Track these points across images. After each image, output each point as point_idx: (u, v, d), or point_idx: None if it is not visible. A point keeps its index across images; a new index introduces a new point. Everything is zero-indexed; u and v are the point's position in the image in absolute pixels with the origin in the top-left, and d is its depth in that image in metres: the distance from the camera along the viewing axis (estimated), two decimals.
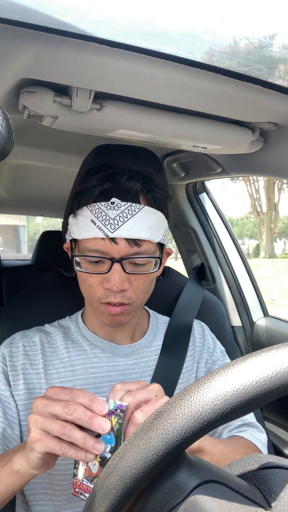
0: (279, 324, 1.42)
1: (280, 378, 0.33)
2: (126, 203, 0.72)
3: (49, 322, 0.90)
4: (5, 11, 0.44)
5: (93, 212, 0.72)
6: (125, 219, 0.71)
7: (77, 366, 0.81)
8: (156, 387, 0.63)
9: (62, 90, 0.66)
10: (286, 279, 12.35)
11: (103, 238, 0.71)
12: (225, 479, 0.36)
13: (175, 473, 0.35)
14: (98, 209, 0.72)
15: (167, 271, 1.15)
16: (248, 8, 0.55)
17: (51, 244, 2.18)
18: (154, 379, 0.83)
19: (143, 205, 0.73)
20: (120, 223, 0.70)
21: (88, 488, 0.59)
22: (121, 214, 0.71)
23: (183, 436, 0.33)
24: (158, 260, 0.76)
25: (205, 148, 0.90)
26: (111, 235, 0.70)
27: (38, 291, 1.04)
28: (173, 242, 1.82)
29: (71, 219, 0.78)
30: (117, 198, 0.72)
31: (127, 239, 0.71)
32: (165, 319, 0.96)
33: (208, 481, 0.35)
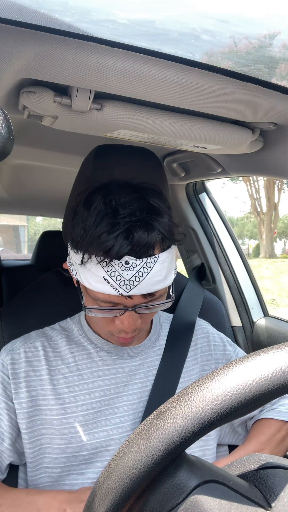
0: (279, 324, 1.42)
1: (280, 378, 0.33)
2: (141, 260, 0.66)
3: (49, 322, 0.90)
4: (5, 11, 0.44)
5: (106, 269, 0.66)
6: (141, 279, 0.66)
7: (84, 370, 0.81)
8: None
9: (62, 90, 0.66)
10: (286, 279, 12.35)
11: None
12: (225, 479, 0.36)
13: (175, 473, 0.35)
14: (111, 268, 0.66)
15: None
16: (248, 8, 0.55)
17: (51, 244, 2.18)
18: (157, 379, 0.83)
19: (157, 255, 0.68)
20: (136, 283, 0.66)
21: None
22: (136, 274, 0.66)
23: (183, 436, 0.33)
24: (170, 297, 0.74)
25: (205, 148, 0.90)
26: (126, 294, 0.67)
27: (38, 291, 1.04)
28: None
29: (77, 263, 0.71)
30: (131, 256, 0.66)
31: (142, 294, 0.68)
32: (168, 315, 0.97)
33: (208, 481, 0.35)
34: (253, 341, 1.46)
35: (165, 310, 0.98)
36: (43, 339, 0.83)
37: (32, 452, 0.78)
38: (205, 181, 1.49)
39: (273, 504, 0.34)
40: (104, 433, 0.78)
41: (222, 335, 0.96)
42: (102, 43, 0.51)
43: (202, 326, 0.95)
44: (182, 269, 1.64)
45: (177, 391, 0.84)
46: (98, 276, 0.67)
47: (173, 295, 0.75)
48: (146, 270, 0.66)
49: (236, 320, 1.48)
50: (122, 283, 0.66)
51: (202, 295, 1.10)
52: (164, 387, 0.82)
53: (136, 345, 0.85)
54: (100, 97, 0.69)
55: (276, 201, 22.90)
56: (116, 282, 0.66)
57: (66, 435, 0.77)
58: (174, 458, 0.33)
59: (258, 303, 1.51)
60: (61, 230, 1.01)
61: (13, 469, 0.84)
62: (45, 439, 0.78)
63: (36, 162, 1.46)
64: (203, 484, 0.34)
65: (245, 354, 0.91)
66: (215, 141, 0.84)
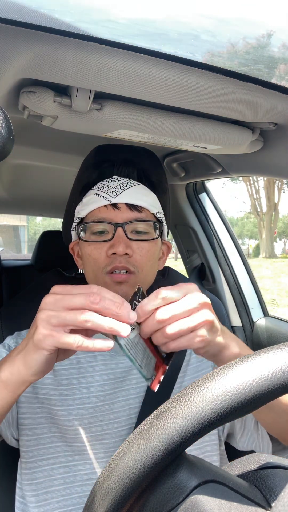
0: (279, 324, 1.42)
1: (280, 378, 0.33)
2: (124, 178, 0.81)
3: None
4: (5, 11, 0.44)
5: (97, 188, 0.80)
6: (125, 188, 0.79)
7: (84, 364, 0.82)
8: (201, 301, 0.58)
9: (62, 90, 0.66)
10: (286, 279, 12.35)
11: (106, 206, 0.78)
12: (225, 479, 0.36)
13: (175, 473, 0.35)
14: (101, 185, 0.80)
15: (167, 271, 1.15)
16: (248, 8, 0.55)
17: (51, 244, 2.18)
18: None
19: (139, 183, 0.81)
20: (121, 191, 0.78)
21: None
22: (121, 184, 0.79)
23: (183, 436, 0.33)
24: (158, 226, 0.81)
25: (205, 148, 0.90)
26: (113, 201, 0.77)
27: (38, 291, 1.04)
28: (173, 242, 1.82)
29: (78, 207, 0.83)
30: (116, 175, 0.81)
31: (127, 205, 0.78)
32: None
33: (208, 481, 0.35)
34: (253, 341, 1.46)
35: None
36: None
37: (28, 440, 0.78)
38: (205, 181, 1.49)
39: (273, 504, 0.34)
40: (99, 428, 0.78)
41: None
42: (102, 43, 0.51)
43: None
44: (182, 269, 1.64)
45: (175, 386, 0.84)
46: (91, 196, 0.80)
47: (165, 259, 0.87)
48: (129, 184, 0.80)
49: (236, 320, 1.48)
50: (109, 191, 0.78)
51: None
52: (161, 382, 0.83)
53: None
54: (100, 97, 0.69)
55: (276, 201, 22.91)
56: (104, 192, 0.78)
57: (61, 426, 0.78)
58: (174, 458, 0.33)
59: (258, 303, 1.51)
60: (61, 230, 1.01)
61: (12, 469, 0.84)
62: (41, 428, 0.78)
63: (36, 162, 1.46)
64: (203, 484, 0.34)
65: None
66: (215, 141, 0.84)
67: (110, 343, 0.52)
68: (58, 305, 0.54)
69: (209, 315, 0.58)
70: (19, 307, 0.99)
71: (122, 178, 0.80)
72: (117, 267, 0.75)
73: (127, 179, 0.81)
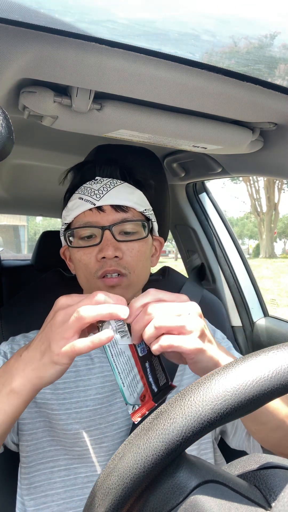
0: (279, 324, 1.42)
1: (280, 378, 0.33)
2: (107, 178, 0.80)
3: None
4: (5, 11, 0.44)
5: (80, 192, 0.79)
6: (109, 189, 0.78)
7: (80, 367, 0.82)
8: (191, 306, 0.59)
9: (62, 90, 0.66)
10: (286, 279, 12.35)
11: (91, 210, 0.77)
12: (225, 479, 0.36)
13: (175, 473, 0.35)
14: (83, 188, 0.79)
15: (167, 271, 1.15)
16: (248, 8, 0.55)
17: (51, 244, 2.18)
18: None
19: (123, 182, 0.80)
20: (104, 192, 0.77)
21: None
22: (104, 186, 0.78)
23: (183, 436, 0.33)
24: (146, 225, 0.79)
25: (205, 148, 0.90)
26: (97, 203, 0.76)
27: (38, 291, 1.04)
28: (173, 242, 1.82)
29: (64, 212, 0.83)
30: (99, 176, 0.80)
31: (112, 206, 0.77)
32: None
33: (208, 481, 0.35)
34: (253, 341, 1.46)
35: None
36: None
37: (28, 446, 0.78)
38: (205, 181, 1.49)
39: (273, 504, 0.34)
40: (98, 431, 0.78)
41: (217, 330, 0.95)
42: (102, 43, 0.51)
43: None
44: (182, 269, 1.64)
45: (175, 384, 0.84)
46: (75, 200, 0.79)
47: (158, 255, 0.86)
48: (112, 185, 0.78)
49: (236, 320, 1.48)
50: (92, 193, 0.77)
51: (199, 296, 1.10)
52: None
53: None
54: (100, 97, 0.69)
55: (276, 201, 22.90)
56: (88, 195, 0.77)
57: (60, 430, 0.78)
58: (174, 458, 0.33)
59: (258, 303, 1.51)
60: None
61: (13, 472, 0.84)
62: (40, 433, 0.78)
63: (36, 162, 1.46)
64: (203, 484, 0.34)
65: (237, 352, 0.91)
66: (215, 141, 0.84)
67: (110, 332, 0.54)
68: (68, 317, 0.56)
69: (200, 321, 0.57)
70: (19, 307, 0.99)
71: (105, 179, 0.79)
72: (108, 271, 0.74)
73: (110, 179, 0.79)
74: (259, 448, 0.80)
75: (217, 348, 0.60)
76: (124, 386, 0.56)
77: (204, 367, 0.58)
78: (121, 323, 0.58)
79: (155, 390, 0.59)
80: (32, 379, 0.58)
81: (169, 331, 0.55)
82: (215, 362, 0.58)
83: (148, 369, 0.60)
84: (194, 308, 0.58)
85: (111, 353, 0.57)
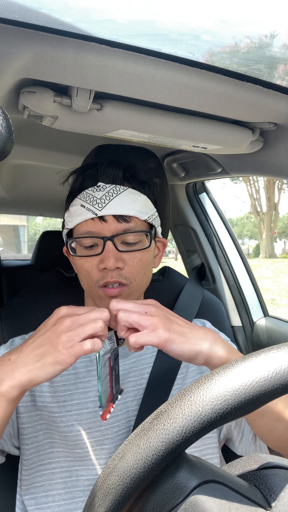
0: (279, 324, 1.42)
1: (280, 378, 0.33)
2: (110, 185, 0.77)
3: None
4: (5, 11, 0.44)
5: (82, 198, 0.77)
6: (111, 198, 0.75)
7: (80, 369, 0.82)
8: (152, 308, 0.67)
9: (62, 90, 0.66)
10: (286, 279, 12.35)
11: (93, 219, 0.75)
12: (225, 479, 0.36)
13: (175, 473, 0.35)
14: (86, 194, 0.77)
15: (167, 271, 1.15)
16: (248, 8, 0.55)
17: (51, 244, 2.18)
18: (152, 375, 0.83)
19: (127, 187, 0.77)
20: (106, 201, 0.75)
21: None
22: (106, 194, 0.76)
23: (183, 436, 0.33)
24: (148, 234, 0.79)
25: (205, 148, 0.90)
26: (99, 213, 0.74)
27: (38, 291, 1.04)
28: (173, 242, 1.82)
29: (66, 215, 0.82)
30: (102, 182, 0.77)
31: (115, 216, 0.75)
32: None
33: (208, 481, 0.35)
34: (253, 341, 1.46)
35: None
36: None
37: (29, 449, 0.78)
38: (205, 181, 1.49)
39: (273, 504, 0.34)
40: (98, 433, 0.78)
41: (220, 333, 0.95)
42: (102, 43, 0.51)
43: (201, 325, 0.95)
44: (182, 269, 1.64)
45: (173, 388, 0.84)
46: (77, 206, 0.77)
47: (160, 256, 0.88)
48: (116, 192, 0.76)
49: (236, 320, 1.48)
50: (94, 203, 0.75)
51: (200, 296, 1.10)
52: (159, 385, 0.82)
53: None
54: (100, 97, 0.69)
55: (276, 201, 22.91)
56: (90, 204, 0.75)
57: (61, 433, 0.78)
58: (174, 458, 0.33)
59: (258, 303, 1.51)
60: (61, 230, 1.01)
61: (13, 474, 0.84)
62: (41, 436, 0.78)
63: (36, 162, 1.46)
64: (203, 484, 0.34)
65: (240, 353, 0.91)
66: (215, 141, 0.84)
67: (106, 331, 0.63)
68: (76, 325, 0.62)
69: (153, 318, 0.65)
70: (19, 307, 0.99)
71: (107, 186, 0.76)
72: (109, 282, 0.75)
73: (113, 186, 0.77)
74: (266, 449, 0.80)
75: (193, 337, 0.66)
76: (102, 392, 0.64)
77: (179, 354, 0.65)
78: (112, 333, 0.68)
79: (114, 392, 0.70)
80: (22, 381, 0.60)
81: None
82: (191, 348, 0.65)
83: (113, 376, 0.70)
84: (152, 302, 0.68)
85: (102, 360, 0.64)
